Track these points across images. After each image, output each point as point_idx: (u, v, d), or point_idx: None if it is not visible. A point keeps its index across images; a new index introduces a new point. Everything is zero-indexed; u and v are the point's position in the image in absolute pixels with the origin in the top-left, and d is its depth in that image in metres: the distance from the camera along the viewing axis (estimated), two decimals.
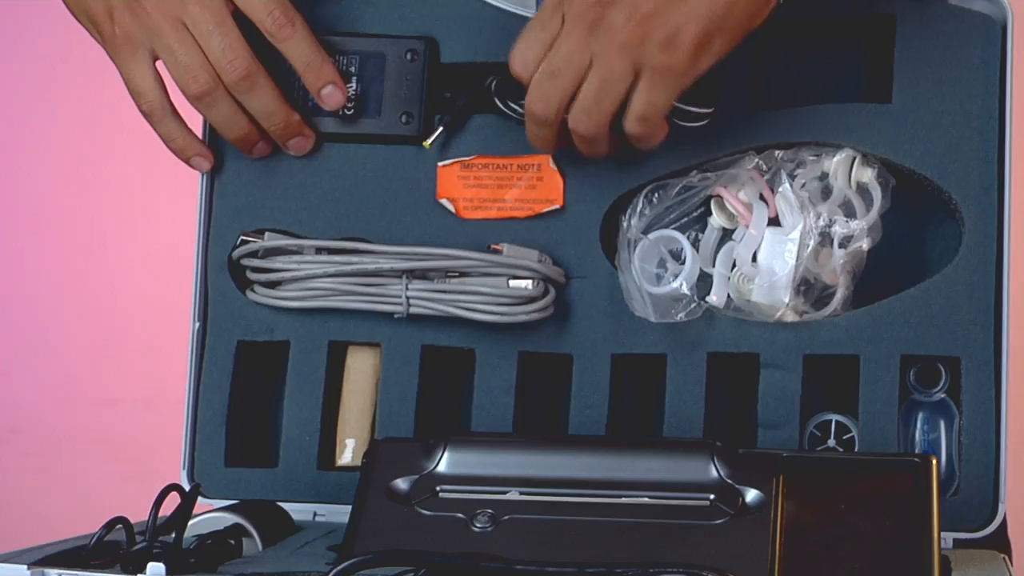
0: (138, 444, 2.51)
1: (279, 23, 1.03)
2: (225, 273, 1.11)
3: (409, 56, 1.07)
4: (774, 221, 1.05)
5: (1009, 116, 1.05)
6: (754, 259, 1.05)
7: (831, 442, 1.07)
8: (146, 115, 1.06)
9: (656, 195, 1.06)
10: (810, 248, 1.04)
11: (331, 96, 1.06)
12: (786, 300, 1.04)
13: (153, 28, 1.03)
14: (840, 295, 1.05)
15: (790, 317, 1.05)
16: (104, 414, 2.54)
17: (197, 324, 1.11)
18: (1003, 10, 1.05)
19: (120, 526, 0.89)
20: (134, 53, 1.04)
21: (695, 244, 1.06)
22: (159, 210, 2.46)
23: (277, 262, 1.09)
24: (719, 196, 1.06)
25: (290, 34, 1.04)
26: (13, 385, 2.57)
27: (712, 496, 0.92)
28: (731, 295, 1.06)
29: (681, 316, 1.05)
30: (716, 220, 1.06)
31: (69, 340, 2.56)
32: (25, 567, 0.84)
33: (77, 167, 2.50)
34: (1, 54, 2.50)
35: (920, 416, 1.07)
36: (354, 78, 1.07)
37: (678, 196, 1.06)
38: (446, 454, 0.96)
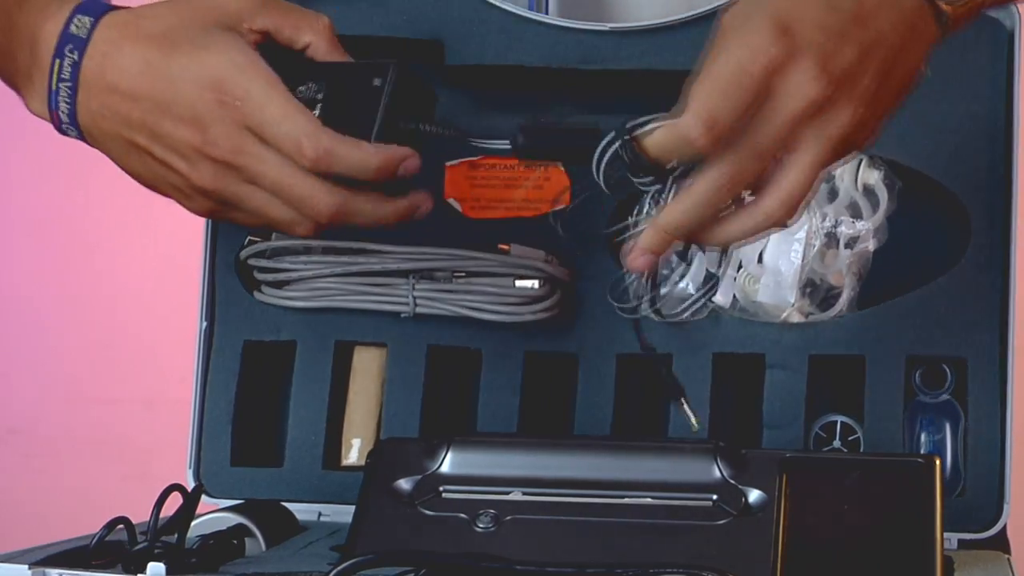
0: (138, 444, 2.50)
1: (308, 160, 0.92)
2: (232, 273, 1.11)
3: (377, 82, 0.97)
4: None
5: (1016, 119, 1.05)
6: (760, 259, 1.05)
7: (836, 443, 1.07)
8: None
9: (662, 196, 1.05)
10: (816, 249, 1.04)
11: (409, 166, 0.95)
12: (792, 301, 1.04)
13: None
14: (846, 296, 1.05)
15: (795, 318, 1.05)
16: (104, 414, 2.54)
17: (204, 324, 1.11)
18: (1012, 17, 1.05)
19: (121, 526, 0.88)
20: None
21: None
22: (160, 211, 2.46)
23: (284, 262, 1.09)
24: None
25: (328, 164, 0.92)
26: (13, 385, 2.57)
27: (715, 496, 0.91)
28: (737, 295, 1.06)
29: (686, 316, 1.05)
30: None
31: (69, 340, 2.56)
32: (26, 567, 0.84)
33: (78, 166, 2.50)
34: None
35: (925, 417, 1.07)
36: (318, 106, 0.95)
37: None
38: (449, 454, 0.96)
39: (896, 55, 0.87)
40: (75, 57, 0.93)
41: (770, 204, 0.87)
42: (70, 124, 0.95)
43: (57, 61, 0.93)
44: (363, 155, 0.92)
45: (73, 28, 0.93)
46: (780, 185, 0.87)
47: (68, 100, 0.93)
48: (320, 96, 0.95)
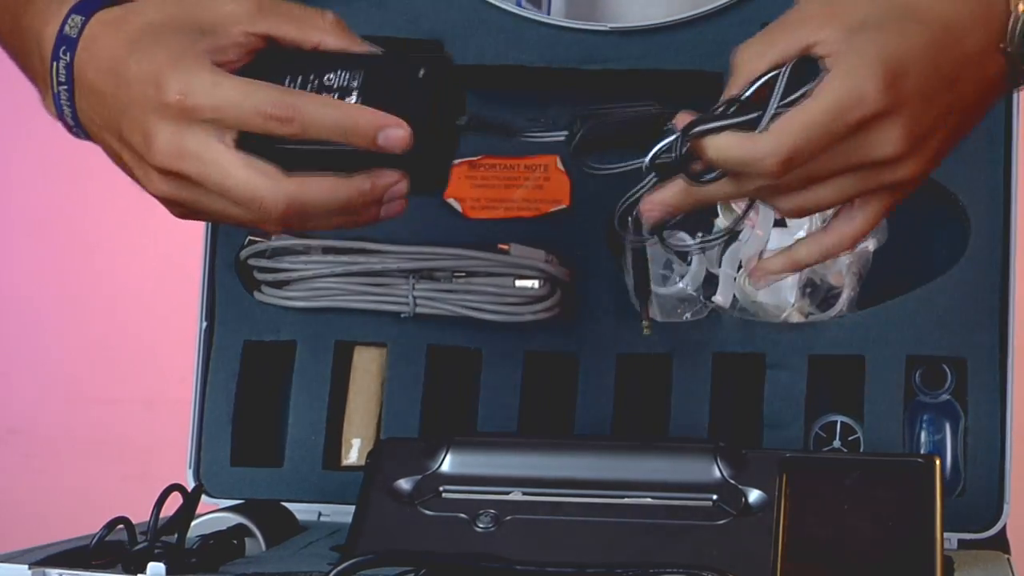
0: (138, 444, 2.51)
1: (278, 122, 0.86)
2: (232, 273, 1.11)
3: (422, 72, 0.91)
4: (780, 222, 1.05)
5: (1016, 119, 1.05)
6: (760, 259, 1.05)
7: (836, 443, 1.07)
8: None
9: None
10: None
11: (391, 138, 0.87)
12: (792, 301, 1.04)
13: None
14: (845, 296, 1.05)
15: (795, 318, 1.05)
16: (104, 414, 2.54)
17: (204, 324, 1.11)
18: None
19: (121, 526, 0.88)
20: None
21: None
22: (160, 211, 2.46)
23: (284, 262, 1.09)
24: None
25: (299, 129, 0.86)
26: (14, 385, 2.57)
27: (715, 496, 0.91)
28: (737, 296, 1.06)
29: (687, 316, 1.05)
30: (722, 221, 1.06)
31: (69, 340, 2.56)
32: (26, 567, 0.84)
33: (78, 166, 2.50)
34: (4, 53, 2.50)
35: (925, 417, 1.07)
36: (355, 93, 0.89)
37: None
38: (449, 454, 0.96)
39: (969, 118, 0.87)
40: (67, 59, 0.90)
41: (830, 241, 0.89)
42: (76, 127, 0.92)
43: (54, 64, 0.90)
44: (341, 111, 0.86)
45: (67, 29, 0.90)
46: (840, 229, 0.88)
47: (68, 103, 0.91)
48: (356, 84, 0.90)
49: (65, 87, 0.91)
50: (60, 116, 0.92)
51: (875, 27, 0.83)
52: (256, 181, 0.85)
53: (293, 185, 0.86)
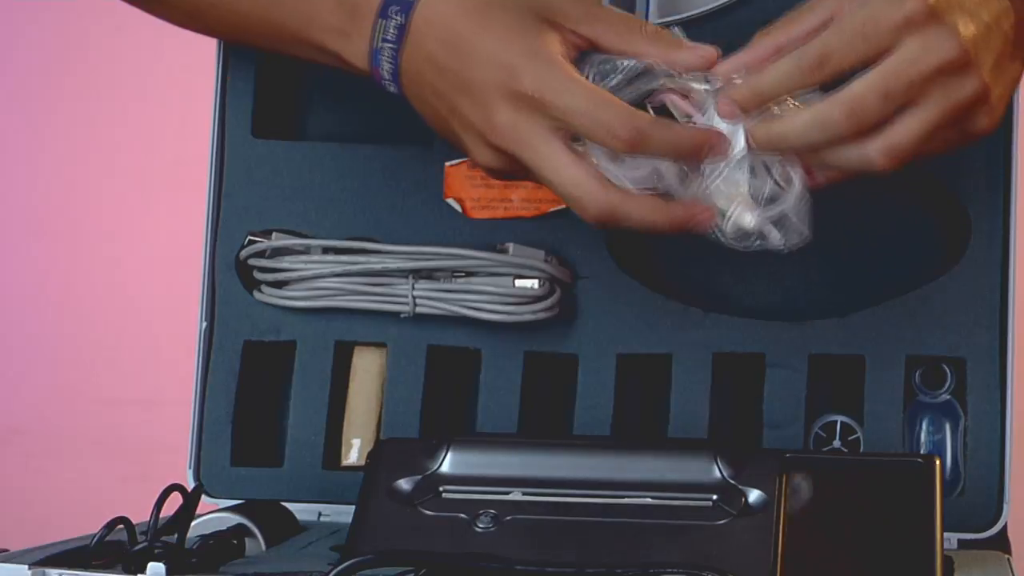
0: (138, 444, 2.50)
1: (621, 142, 0.89)
2: (232, 273, 1.11)
3: None
4: None
5: (1016, 119, 1.05)
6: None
7: (836, 443, 1.07)
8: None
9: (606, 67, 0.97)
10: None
11: (704, 224, 0.92)
12: (743, 185, 0.94)
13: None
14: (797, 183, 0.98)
15: (748, 221, 0.95)
16: (105, 414, 2.54)
17: (204, 324, 1.11)
18: None
19: (121, 526, 0.88)
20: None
21: None
22: (160, 211, 2.46)
23: (284, 262, 1.09)
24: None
25: (639, 151, 0.90)
26: (15, 386, 2.57)
27: (715, 496, 0.92)
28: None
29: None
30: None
31: (70, 341, 2.55)
32: (26, 567, 0.84)
33: (79, 165, 2.50)
34: (6, 54, 2.50)
35: (925, 417, 1.07)
36: None
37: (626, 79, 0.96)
38: (449, 455, 0.96)
39: (1022, 28, 0.89)
40: (400, 19, 0.93)
41: (873, 149, 0.89)
42: (391, 81, 0.95)
43: (382, 22, 0.93)
44: (676, 134, 0.90)
45: None
46: (887, 134, 0.89)
47: (391, 60, 0.94)
48: None
49: (392, 45, 0.93)
50: (374, 68, 0.95)
51: None
52: (585, 184, 0.89)
53: (617, 198, 0.90)
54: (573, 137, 0.91)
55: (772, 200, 0.93)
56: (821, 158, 0.91)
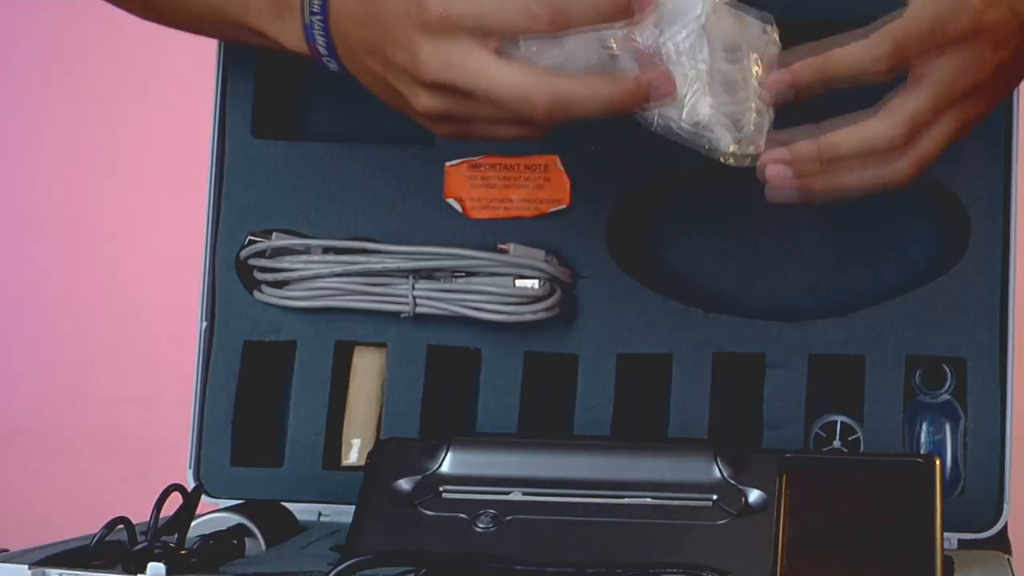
0: (138, 444, 2.50)
1: (542, 19, 0.87)
2: (233, 273, 1.11)
3: None
4: None
5: (1016, 119, 1.05)
6: None
7: (836, 443, 1.07)
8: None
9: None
10: None
11: (661, 88, 0.89)
12: (702, 63, 0.89)
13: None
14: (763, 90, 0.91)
15: (705, 108, 0.89)
16: (105, 414, 2.54)
17: (204, 323, 1.11)
18: None
19: (121, 526, 0.88)
20: None
21: None
22: (160, 211, 2.46)
23: (284, 262, 1.09)
24: None
25: (563, 24, 0.87)
26: (15, 386, 2.57)
27: (715, 496, 0.92)
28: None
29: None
30: None
31: (70, 341, 2.55)
32: (26, 567, 0.84)
33: (79, 165, 2.50)
34: (6, 54, 2.50)
35: (925, 417, 1.07)
36: None
37: None
38: (449, 455, 0.96)
39: None
40: None
41: (905, 163, 0.91)
42: (329, 56, 0.95)
43: None
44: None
45: None
46: (917, 148, 0.91)
47: (323, 33, 0.93)
48: None
49: (319, 16, 0.93)
50: (310, 44, 0.94)
51: None
52: (523, 79, 0.87)
53: (559, 81, 0.87)
54: (500, 49, 0.88)
55: (733, 93, 0.89)
56: (856, 171, 0.92)
